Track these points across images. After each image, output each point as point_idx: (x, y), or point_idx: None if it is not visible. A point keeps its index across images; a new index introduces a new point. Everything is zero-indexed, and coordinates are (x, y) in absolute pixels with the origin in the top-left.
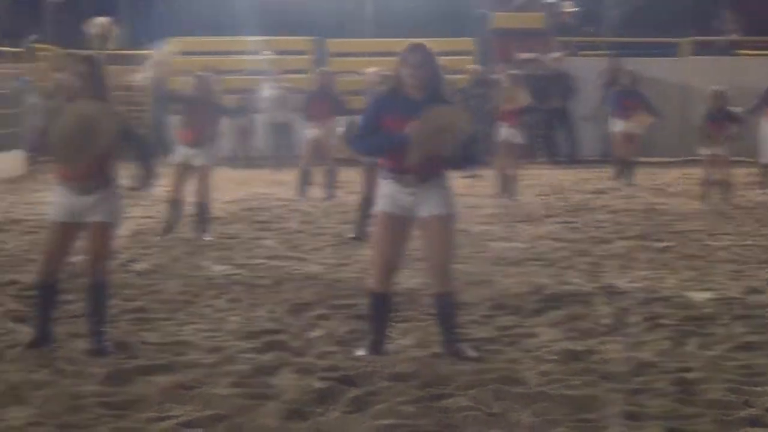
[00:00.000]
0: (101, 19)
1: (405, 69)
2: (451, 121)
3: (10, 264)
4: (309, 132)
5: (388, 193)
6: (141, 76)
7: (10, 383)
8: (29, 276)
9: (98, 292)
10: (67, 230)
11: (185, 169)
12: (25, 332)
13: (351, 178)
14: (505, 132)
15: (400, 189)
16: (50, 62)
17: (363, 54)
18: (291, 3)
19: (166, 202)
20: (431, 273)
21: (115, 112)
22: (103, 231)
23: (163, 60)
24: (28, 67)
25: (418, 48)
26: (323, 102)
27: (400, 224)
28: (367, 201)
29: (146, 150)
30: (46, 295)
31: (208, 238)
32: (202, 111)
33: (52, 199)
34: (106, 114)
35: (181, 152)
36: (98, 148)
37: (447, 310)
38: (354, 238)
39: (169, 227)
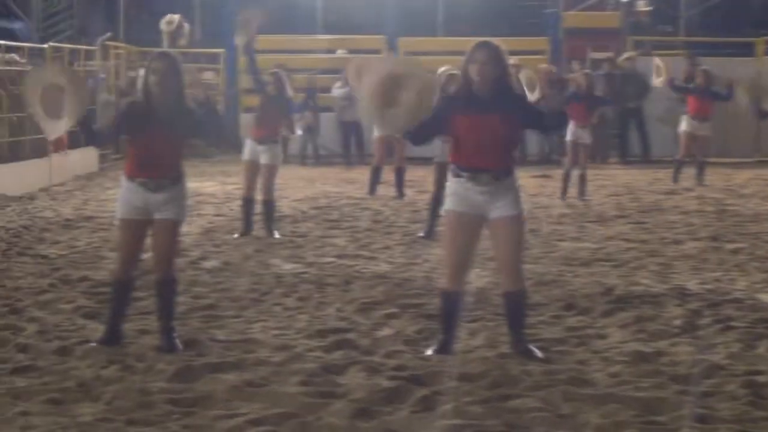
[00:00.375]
0: (172, 16)
1: (472, 66)
2: (404, 74)
3: (82, 261)
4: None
5: (458, 191)
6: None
7: (80, 379)
8: (100, 273)
9: (167, 289)
10: (137, 227)
11: (255, 166)
12: (96, 329)
13: (421, 176)
14: (574, 132)
15: (473, 187)
16: (124, 60)
17: (435, 53)
18: (363, 1)
19: (240, 200)
20: (502, 272)
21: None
22: (172, 228)
23: (251, 20)
24: (101, 65)
25: (485, 45)
26: None
27: (470, 223)
28: (438, 200)
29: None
30: (120, 293)
31: (277, 236)
32: (274, 108)
33: (119, 196)
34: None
35: (249, 148)
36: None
37: (517, 309)
38: (424, 237)
39: (246, 226)
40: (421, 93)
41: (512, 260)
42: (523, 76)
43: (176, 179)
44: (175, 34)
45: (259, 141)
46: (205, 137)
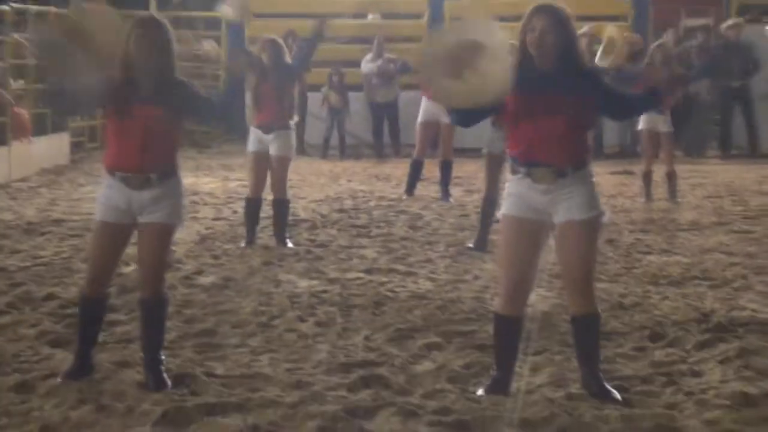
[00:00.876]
0: None
1: (530, 35)
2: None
3: (48, 275)
4: (422, 115)
5: (516, 191)
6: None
7: (45, 422)
8: (70, 290)
9: (155, 311)
10: (117, 233)
11: (262, 158)
12: (65, 359)
13: (472, 171)
14: (647, 118)
15: (532, 186)
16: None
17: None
18: None
19: (244, 200)
20: (569, 292)
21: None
22: (162, 235)
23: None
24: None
25: (545, 9)
26: None
27: (532, 231)
28: (490, 201)
29: (215, 105)
30: (89, 313)
31: (290, 245)
32: (276, 86)
33: (99, 194)
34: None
35: (254, 137)
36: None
37: (589, 338)
38: (474, 248)
39: (251, 233)
40: (497, 72)
41: (579, 275)
42: (608, 33)
43: (167, 173)
44: None
45: (265, 128)
46: (204, 117)
